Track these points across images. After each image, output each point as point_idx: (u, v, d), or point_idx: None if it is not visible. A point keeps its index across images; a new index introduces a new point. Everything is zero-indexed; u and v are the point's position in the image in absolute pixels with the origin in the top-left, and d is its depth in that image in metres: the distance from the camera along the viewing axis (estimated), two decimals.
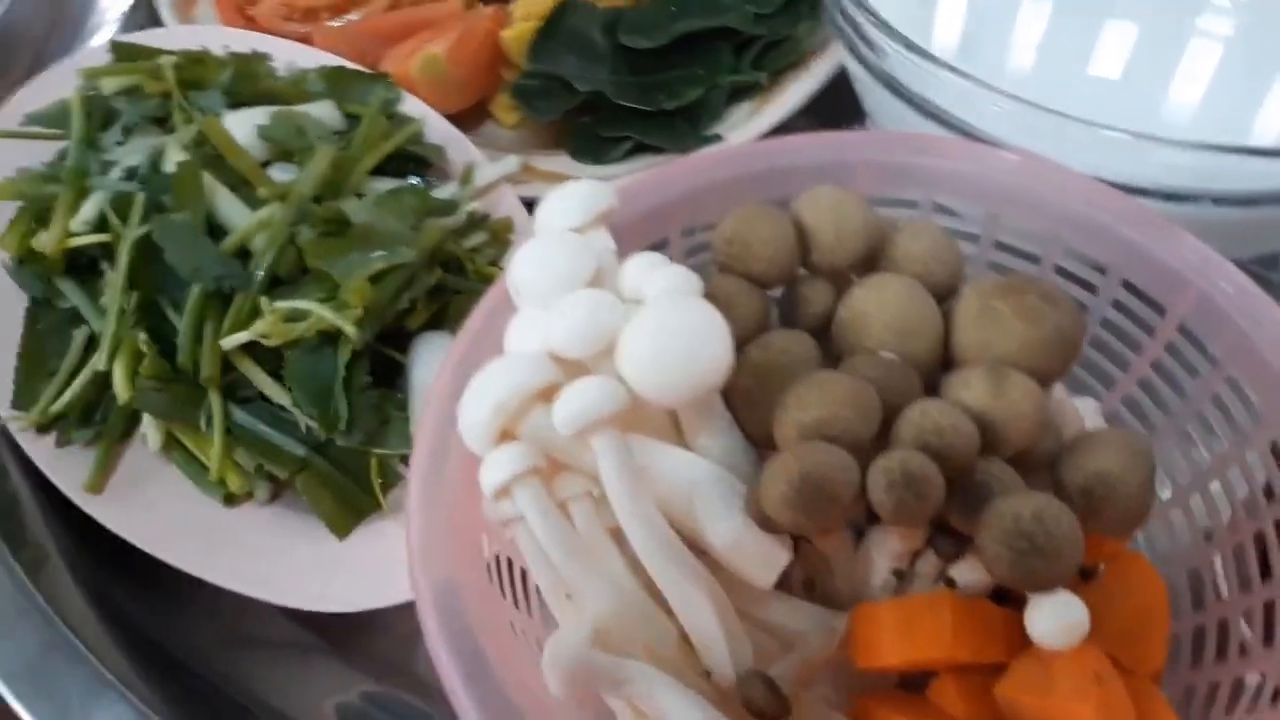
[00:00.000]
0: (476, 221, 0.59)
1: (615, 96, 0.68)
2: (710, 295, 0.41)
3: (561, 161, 0.69)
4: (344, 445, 0.53)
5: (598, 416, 0.35)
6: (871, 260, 0.42)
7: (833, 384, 0.36)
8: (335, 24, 0.76)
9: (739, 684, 0.36)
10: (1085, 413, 0.45)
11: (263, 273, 0.53)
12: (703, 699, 0.36)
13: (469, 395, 0.37)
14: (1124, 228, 0.44)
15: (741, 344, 0.41)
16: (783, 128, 0.67)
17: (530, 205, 0.63)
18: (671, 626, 0.37)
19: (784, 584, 0.40)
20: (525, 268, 0.41)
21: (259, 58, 0.65)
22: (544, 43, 0.71)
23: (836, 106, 0.69)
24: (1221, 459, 0.43)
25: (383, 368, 0.55)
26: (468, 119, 0.74)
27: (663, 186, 0.47)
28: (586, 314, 0.37)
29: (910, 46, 0.55)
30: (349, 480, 0.54)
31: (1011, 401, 0.36)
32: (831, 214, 0.42)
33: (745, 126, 0.68)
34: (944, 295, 0.41)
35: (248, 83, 0.61)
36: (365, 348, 0.53)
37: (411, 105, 0.67)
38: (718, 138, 0.67)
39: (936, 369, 0.40)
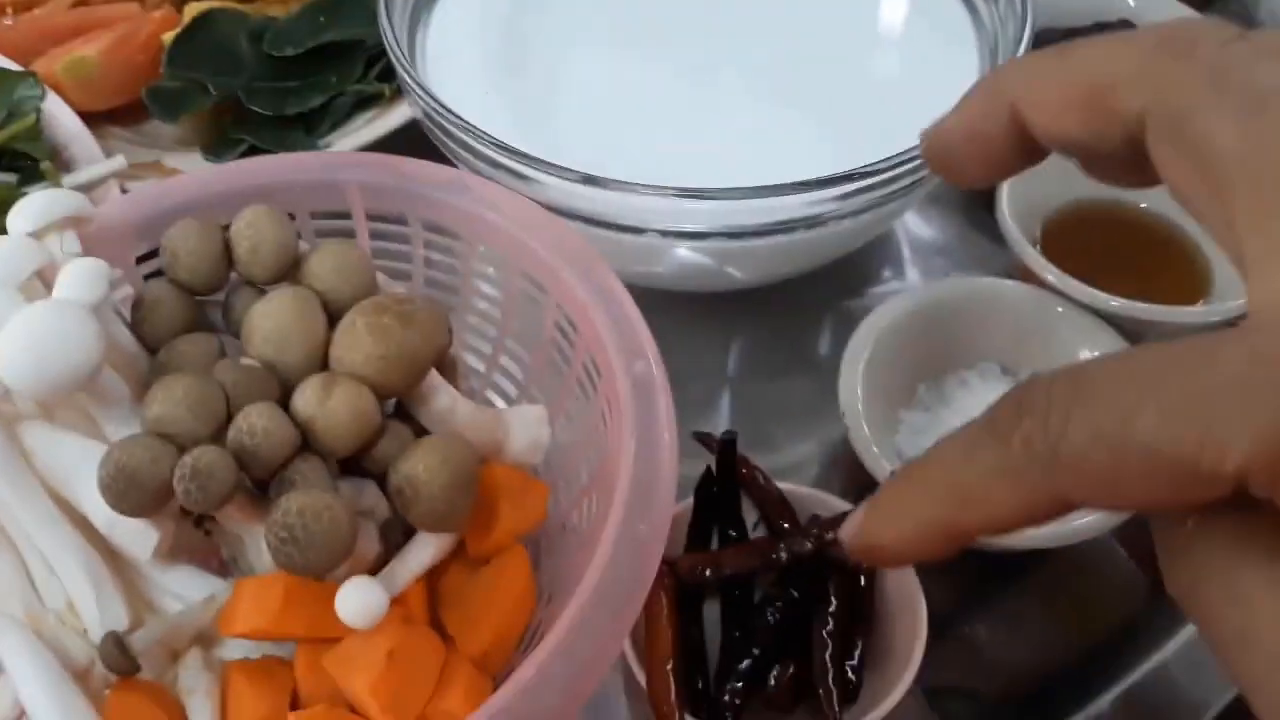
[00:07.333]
0: None
1: (246, 101, 0.72)
2: (140, 296, 0.47)
3: (191, 159, 0.73)
4: None
5: None
6: (286, 275, 0.47)
7: (175, 385, 0.41)
8: (8, 22, 0.79)
9: (99, 643, 0.42)
10: (527, 419, 0.50)
11: None
12: (48, 653, 0.41)
13: None
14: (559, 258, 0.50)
15: (159, 345, 0.46)
16: (394, 136, 0.71)
17: None
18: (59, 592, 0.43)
19: (209, 561, 0.46)
20: None
21: None
22: (183, 46, 0.74)
23: None
24: None
25: None
26: (135, 114, 0.78)
27: (165, 195, 0.52)
28: None
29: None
30: None
31: (332, 409, 0.41)
32: (250, 230, 0.47)
33: (357, 134, 0.72)
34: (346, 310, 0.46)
35: None
36: None
37: (50, 103, 0.71)
38: (327, 145, 0.71)
39: None
